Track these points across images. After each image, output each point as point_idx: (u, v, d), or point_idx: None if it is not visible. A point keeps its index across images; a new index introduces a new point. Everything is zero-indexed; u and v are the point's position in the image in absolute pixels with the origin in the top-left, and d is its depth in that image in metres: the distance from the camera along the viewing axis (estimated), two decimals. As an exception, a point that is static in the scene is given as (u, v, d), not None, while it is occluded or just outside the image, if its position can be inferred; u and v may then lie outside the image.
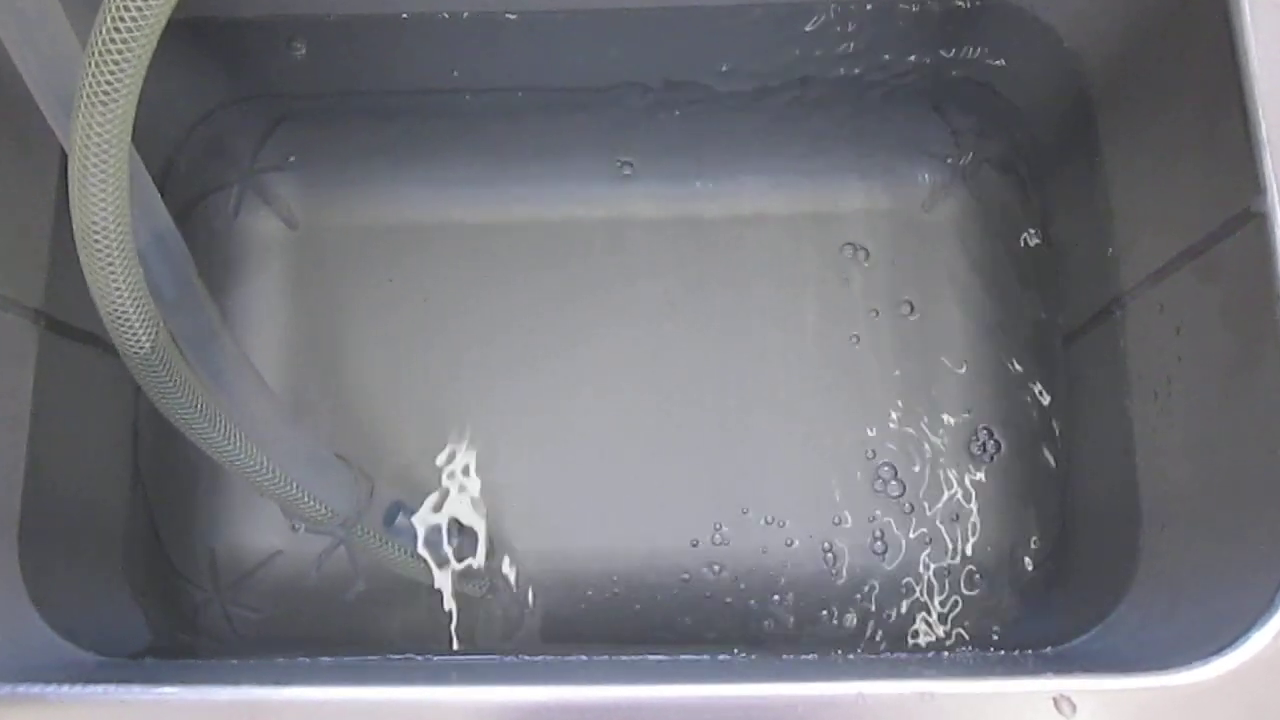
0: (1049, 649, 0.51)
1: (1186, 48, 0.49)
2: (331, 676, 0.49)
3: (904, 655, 0.61)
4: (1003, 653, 0.58)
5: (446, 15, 0.62)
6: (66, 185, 0.47)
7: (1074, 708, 0.39)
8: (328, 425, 0.70)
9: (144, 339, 0.54)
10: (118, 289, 0.52)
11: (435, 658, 0.64)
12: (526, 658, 0.61)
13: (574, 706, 0.41)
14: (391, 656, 0.61)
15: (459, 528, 0.65)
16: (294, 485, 0.60)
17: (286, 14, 0.62)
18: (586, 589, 0.67)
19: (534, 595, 0.67)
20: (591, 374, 0.70)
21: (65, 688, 0.41)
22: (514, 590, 0.68)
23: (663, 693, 0.41)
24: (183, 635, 0.66)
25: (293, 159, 0.73)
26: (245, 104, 0.70)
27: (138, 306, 0.52)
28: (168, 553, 0.68)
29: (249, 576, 0.68)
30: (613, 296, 0.71)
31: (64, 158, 0.52)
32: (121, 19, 0.44)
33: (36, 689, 0.41)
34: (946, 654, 0.61)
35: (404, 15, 0.62)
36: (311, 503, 0.61)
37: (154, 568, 0.67)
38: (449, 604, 0.66)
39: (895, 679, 0.39)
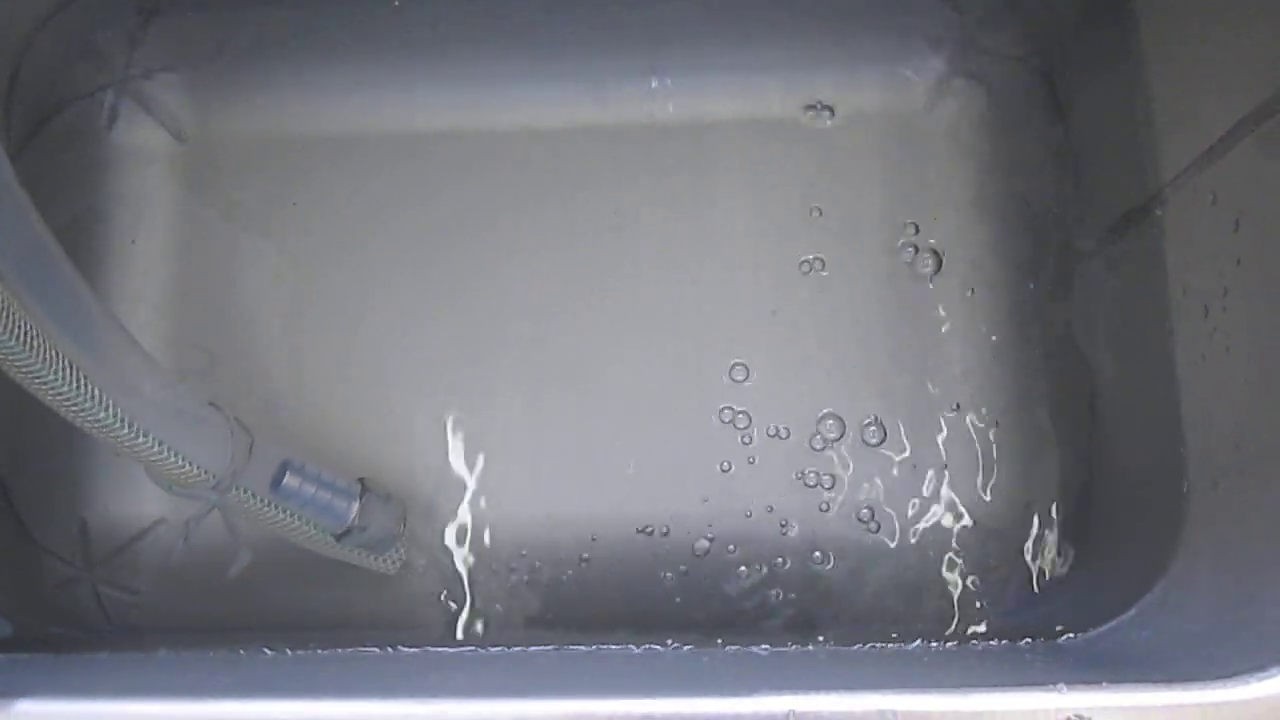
0: (1065, 638, 0.39)
1: None
2: (227, 679, 0.40)
3: (892, 647, 0.50)
4: (1006, 643, 0.46)
5: None
6: None
7: (1089, 730, 0.27)
8: (208, 370, 0.59)
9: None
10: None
11: (340, 651, 0.54)
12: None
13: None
14: (290, 651, 0.52)
15: (362, 489, 0.54)
16: (153, 440, 0.50)
17: None
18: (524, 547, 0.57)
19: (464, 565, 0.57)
20: (522, 301, 0.59)
21: None
22: (441, 565, 0.58)
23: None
24: (44, 624, 0.56)
25: (176, 59, 0.62)
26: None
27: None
28: (24, 522, 0.57)
29: (124, 550, 0.59)
30: (547, 212, 0.60)
31: None
32: None
33: None
34: (939, 645, 0.49)
35: None
36: (176, 459, 0.51)
37: (12, 541, 0.57)
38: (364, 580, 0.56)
39: (849, 691, 0.28)
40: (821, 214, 0.60)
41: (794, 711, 0.28)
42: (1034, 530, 0.54)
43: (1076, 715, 0.28)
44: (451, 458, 0.58)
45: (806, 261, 0.59)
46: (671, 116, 0.62)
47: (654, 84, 0.62)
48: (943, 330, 0.58)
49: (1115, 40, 0.50)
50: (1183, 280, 0.44)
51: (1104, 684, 0.28)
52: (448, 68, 0.62)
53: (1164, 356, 0.45)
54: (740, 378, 0.58)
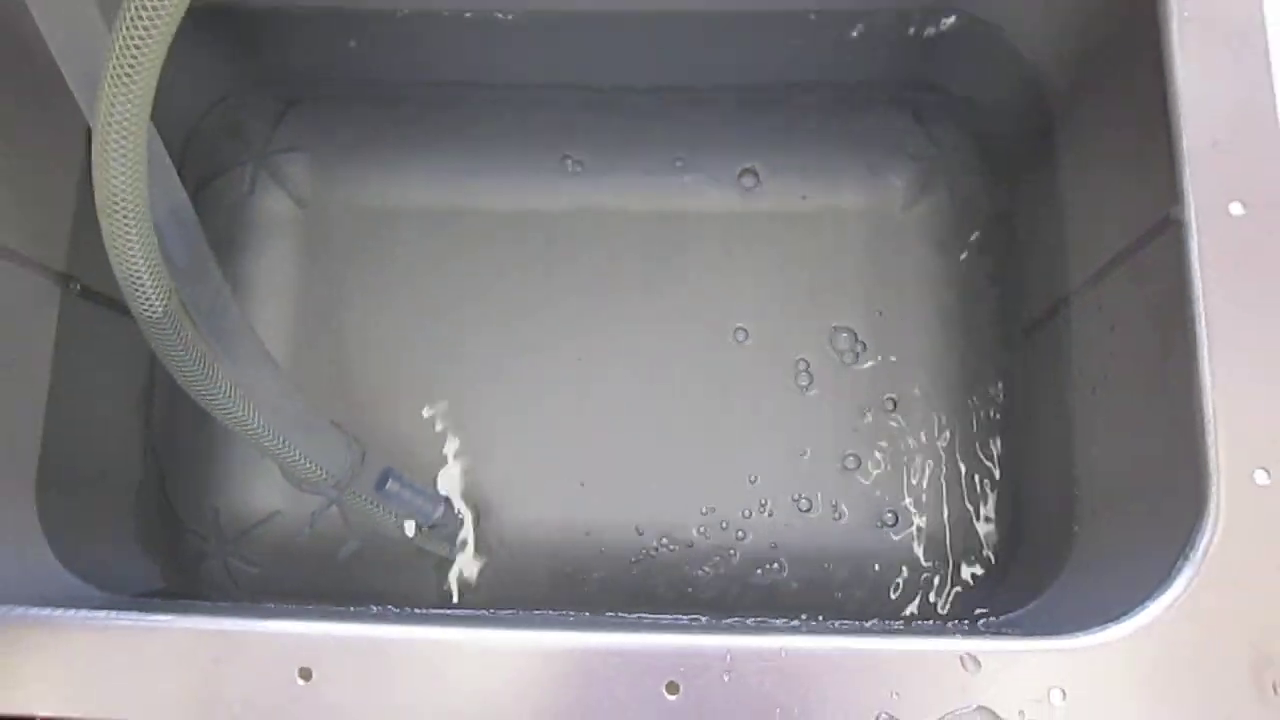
0: (981, 621, 0.54)
1: (1129, 71, 0.53)
2: (312, 614, 0.53)
3: (849, 622, 0.65)
4: (934, 622, 0.61)
5: (446, 13, 0.66)
6: (90, 157, 0.51)
7: (978, 665, 0.42)
8: (326, 393, 0.74)
9: (157, 304, 0.58)
10: (133, 255, 0.56)
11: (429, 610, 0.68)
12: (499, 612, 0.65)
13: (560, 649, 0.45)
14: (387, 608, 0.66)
15: (442, 494, 0.69)
16: (291, 447, 0.64)
17: (299, 6, 0.66)
18: (553, 544, 0.72)
19: (507, 554, 0.72)
20: (569, 352, 0.74)
21: (65, 612, 0.46)
22: (499, 551, 0.73)
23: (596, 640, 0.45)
24: (186, 583, 0.71)
25: (303, 143, 0.77)
26: (260, 89, 0.75)
27: (152, 273, 0.57)
28: (174, 506, 0.72)
29: (249, 533, 0.73)
30: (590, 278, 0.75)
31: (89, 131, 0.56)
32: (144, 5, 0.49)
33: (41, 613, 0.46)
34: (887, 621, 0.64)
35: (406, 12, 0.66)
36: (308, 464, 0.65)
37: (161, 520, 0.72)
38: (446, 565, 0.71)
39: (818, 635, 0.43)
40: (813, 276, 0.76)
41: (730, 651, 0.43)
42: (974, 548, 0.69)
43: (968, 654, 0.43)
44: (495, 475, 0.73)
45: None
46: (691, 206, 0.77)
47: (682, 178, 0.77)
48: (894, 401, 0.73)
49: (1045, 181, 0.65)
50: (1079, 366, 0.59)
51: (988, 634, 0.43)
52: (510, 160, 0.77)
53: (1065, 421, 0.60)
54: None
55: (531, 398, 0.74)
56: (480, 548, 0.72)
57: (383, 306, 0.76)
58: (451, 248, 0.76)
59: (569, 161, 0.77)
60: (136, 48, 0.50)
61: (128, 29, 0.49)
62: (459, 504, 0.71)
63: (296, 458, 0.65)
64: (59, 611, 0.46)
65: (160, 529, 0.71)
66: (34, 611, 0.46)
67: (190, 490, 0.73)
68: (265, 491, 0.73)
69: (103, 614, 0.46)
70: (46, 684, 0.45)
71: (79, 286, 0.62)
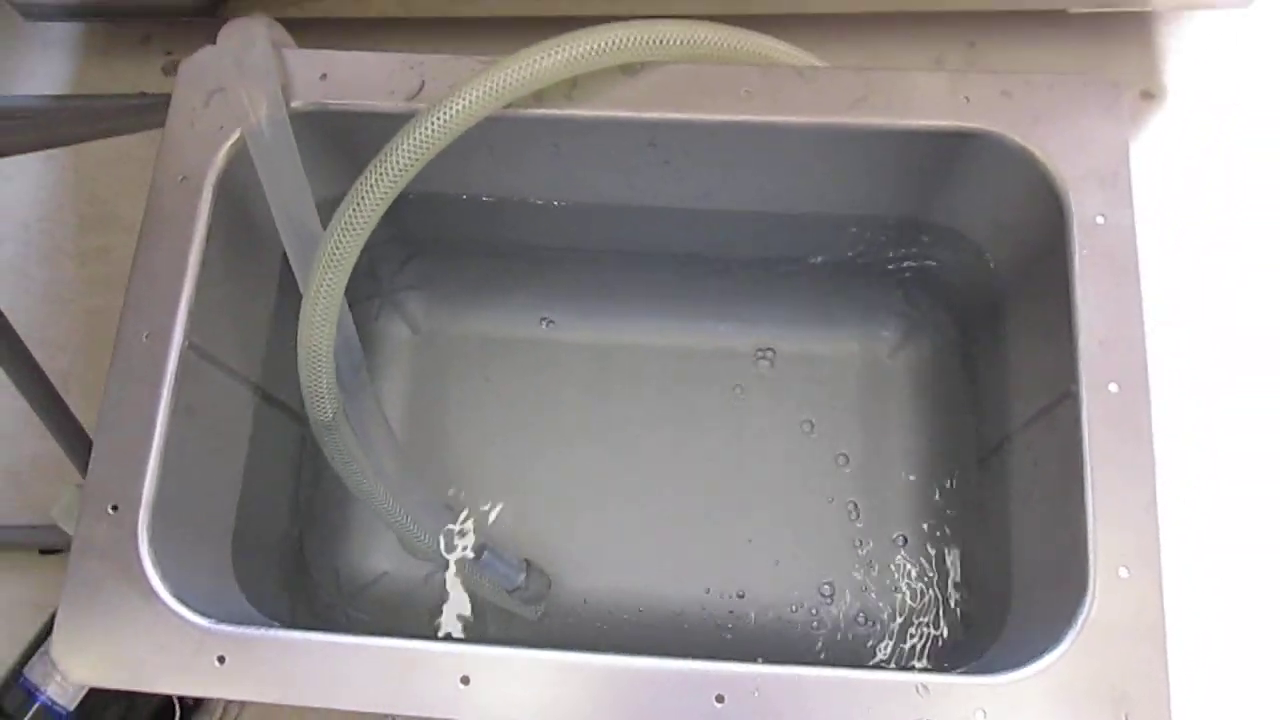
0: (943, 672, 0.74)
1: (1050, 284, 0.73)
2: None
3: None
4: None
5: (538, 201, 0.88)
6: (282, 296, 0.72)
7: (928, 692, 0.62)
8: (434, 482, 0.94)
9: (328, 411, 0.78)
10: (318, 378, 0.76)
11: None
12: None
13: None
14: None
15: (527, 566, 0.89)
16: (412, 522, 0.84)
17: (434, 194, 0.87)
18: (610, 612, 0.91)
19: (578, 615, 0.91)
20: (627, 461, 0.95)
21: (292, 633, 0.65)
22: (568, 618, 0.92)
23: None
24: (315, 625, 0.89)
25: (421, 283, 0.99)
26: (393, 244, 0.96)
27: (328, 389, 0.77)
28: (308, 564, 0.91)
29: (363, 589, 0.92)
30: (641, 403, 0.96)
31: (281, 277, 0.78)
32: (351, 222, 0.70)
33: (271, 633, 0.65)
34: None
35: (503, 199, 0.87)
36: (423, 536, 0.85)
37: (298, 573, 0.91)
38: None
39: (820, 669, 0.63)
40: (813, 427, 0.96)
41: (759, 675, 0.62)
42: (942, 620, 0.89)
43: (921, 684, 0.62)
44: (574, 552, 0.93)
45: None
46: (734, 347, 0.98)
47: (704, 327, 0.99)
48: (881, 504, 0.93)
49: (995, 345, 0.86)
50: (1015, 488, 0.80)
51: (936, 672, 0.63)
52: (584, 304, 0.98)
53: (1006, 528, 0.80)
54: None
55: (594, 495, 0.94)
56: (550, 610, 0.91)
57: (478, 416, 0.96)
58: (534, 371, 0.97)
59: (610, 305, 0.99)
60: (342, 244, 0.71)
61: (340, 232, 0.71)
62: (542, 570, 0.90)
63: (416, 531, 0.85)
64: (276, 632, 0.65)
65: (297, 581, 0.90)
66: (266, 632, 0.65)
67: (320, 552, 0.92)
68: (376, 557, 0.93)
69: (314, 635, 0.65)
70: (280, 679, 0.64)
71: (266, 394, 0.83)
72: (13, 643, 1.01)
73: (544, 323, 0.99)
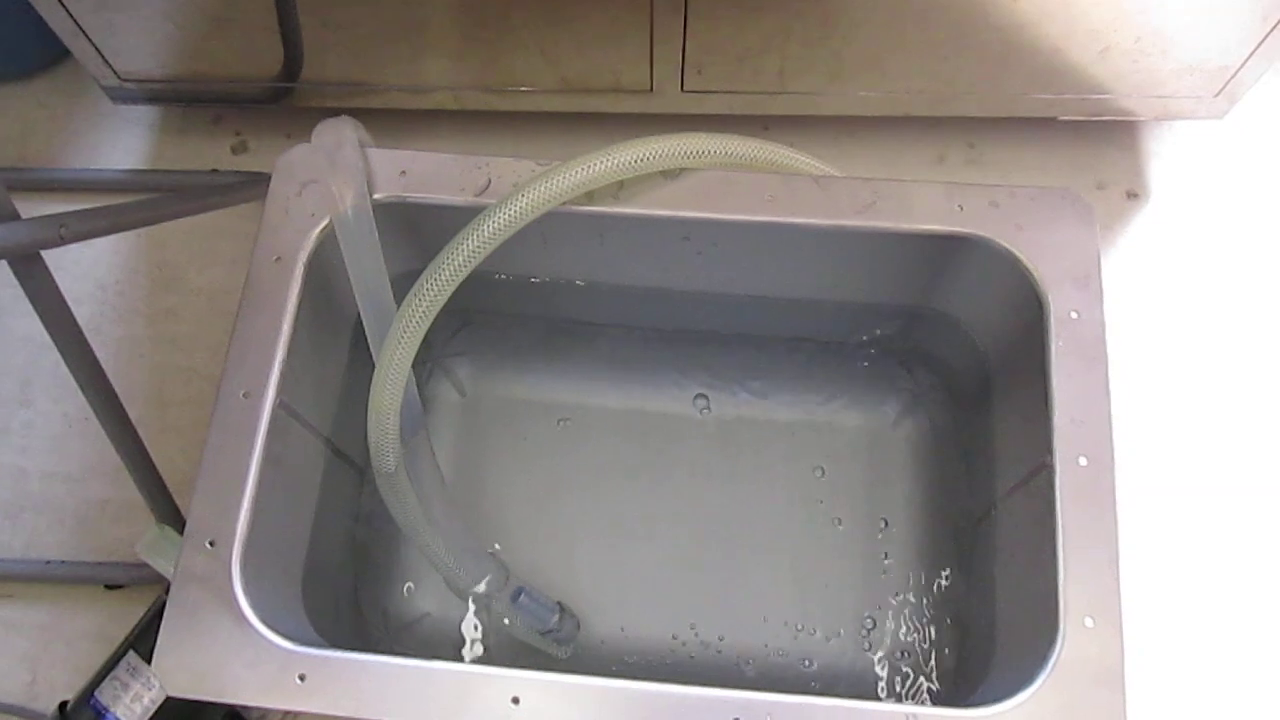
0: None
1: (1030, 366, 0.83)
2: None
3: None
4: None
5: (580, 283, 0.99)
6: (352, 361, 0.82)
7: (917, 722, 0.71)
8: (479, 531, 1.04)
9: (391, 463, 0.88)
10: (384, 434, 0.86)
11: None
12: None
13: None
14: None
15: (560, 609, 0.98)
16: (458, 565, 0.94)
17: (486, 274, 0.98)
18: (633, 651, 1.00)
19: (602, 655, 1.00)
20: (652, 517, 1.05)
21: (364, 655, 0.74)
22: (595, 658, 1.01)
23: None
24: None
25: (469, 350, 1.09)
26: (445, 315, 1.06)
27: (391, 444, 0.87)
28: (360, 604, 1.01)
29: (408, 627, 1.01)
30: (663, 464, 1.06)
31: (351, 345, 0.87)
32: (422, 301, 0.81)
33: (346, 655, 0.74)
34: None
35: (547, 280, 0.98)
36: (468, 578, 0.95)
37: (352, 609, 1.00)
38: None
39: (826, 699, 0.72)
40: (824, 472, 1.06)
41: (772, 703, 0.71)
42: (934, 667, 0.98)
43: (911, 715, 0.71)
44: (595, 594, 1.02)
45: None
46: (754, 417, 1.08)
47: (741, 398, 1.09)
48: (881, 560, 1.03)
49: (984, 419, 0.97)
50: (1000, 549, 0.89)
51: (925, 705, 0.72)
52: (615, 373, 1.08)
53: (991, 586, 0.90)
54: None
55: (624, 546, 1.03)
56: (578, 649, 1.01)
57: (518, 472, 1.06)
58: (572, 433, 1.07)
59: (640, 375, 1.09)
60: (414, 319, 0.82)
61: (413, 309, 0.81)
62: (573, 612, 1.00)
63: (460, 573, 0.94)
64: (364, 656, 0.75)
65: (349, 614, 0.99)
66: (338, 654, 0.75)
67: (371, 593, 1.02)
68: (420, 599, 1.02)
69: (384, 658, 0.75)
70: (352, 696, 0.73)
71: (335, 447, 0.93)
72: (79, 668, 1.10)
73: (578, 389, 1.09)
